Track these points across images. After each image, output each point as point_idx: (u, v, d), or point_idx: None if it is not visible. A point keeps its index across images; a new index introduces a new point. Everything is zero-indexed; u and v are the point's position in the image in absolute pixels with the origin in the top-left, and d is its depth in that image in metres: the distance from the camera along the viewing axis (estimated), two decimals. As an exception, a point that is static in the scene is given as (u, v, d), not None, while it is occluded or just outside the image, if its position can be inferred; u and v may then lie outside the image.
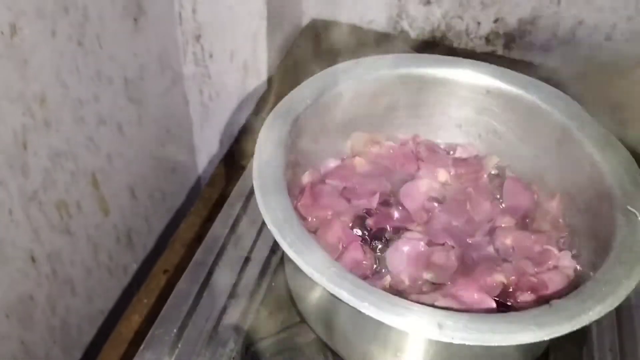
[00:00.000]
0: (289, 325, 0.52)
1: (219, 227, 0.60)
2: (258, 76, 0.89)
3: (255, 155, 0.47)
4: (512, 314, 0.40)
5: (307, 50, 0.91)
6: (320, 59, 0.90)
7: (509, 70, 0.55)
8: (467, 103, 0.56)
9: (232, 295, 0.55)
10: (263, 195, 0.44)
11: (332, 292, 0.39)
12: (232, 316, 0.54)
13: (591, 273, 0.45)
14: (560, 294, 0.47)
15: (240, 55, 0.87)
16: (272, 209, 0.43)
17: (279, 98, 0.52)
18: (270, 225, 0.42)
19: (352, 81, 0.54)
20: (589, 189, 0.50)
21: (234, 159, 0.81)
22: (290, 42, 0.93)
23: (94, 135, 0.76)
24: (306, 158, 0.53)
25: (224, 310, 0.54)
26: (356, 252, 0.48)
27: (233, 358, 0.51)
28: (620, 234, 0.45)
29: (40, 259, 0.71)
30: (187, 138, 0.95)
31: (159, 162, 0.89)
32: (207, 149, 0.97)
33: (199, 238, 0.64)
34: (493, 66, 0.55)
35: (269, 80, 0.89)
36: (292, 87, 0.54)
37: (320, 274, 0.40)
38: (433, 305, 0.43)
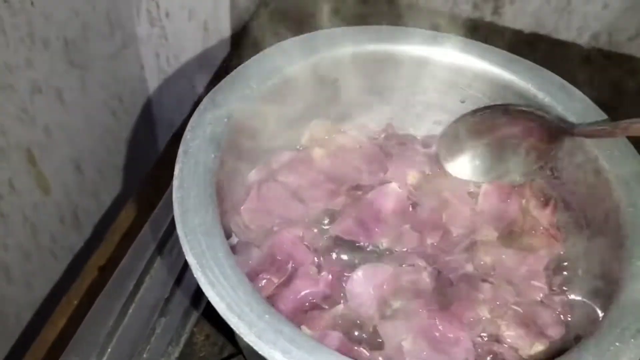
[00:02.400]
0: (227, 357, 0.42)
1: (154, 224, 0.49)
2: (220, 38, 0.76)
3: (179, 156, 0.35)
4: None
5: (276, 9, 0.77)
6: (291, 19, 0.77)
7: (500, 50, 0.43)
8: (449, 88, 0.44)
9: (163, 312, 0.44)
10: (183, 212, 0.33)
11: (262, 352, 0.28)
12: (162, 339, 0.43)
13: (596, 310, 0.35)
14: (552, 336, 0.36)
15: (199, 15, 0.74)
16: (192, 231, 0.32)
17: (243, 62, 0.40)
18: (188, 255, 0.31)
19: (309, 59, 0.41)
20: (591, 200, 0.39)
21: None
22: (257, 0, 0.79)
23: (28, 105, 0.63)
24: (252, 154, 0.41)
25: (152, 331, 0.43)
26: (306, 278, 0.37)
27: (160, 391, 0.41)
28: (634, 268, 0.34)
29: (-36, 246, 0.59)
30: (143, 107, 0.82)
31: (110, 133, 0.77)
32: (166, 118, 0.84)
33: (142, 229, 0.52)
34: (481, 45, 0.43)
35: (233, 43, 0.76)
36: (258, 51, 0.41)
37: (248, 326, 0.29)
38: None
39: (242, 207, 0.41)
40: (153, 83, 0.81)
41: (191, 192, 0.33)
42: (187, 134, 0.36)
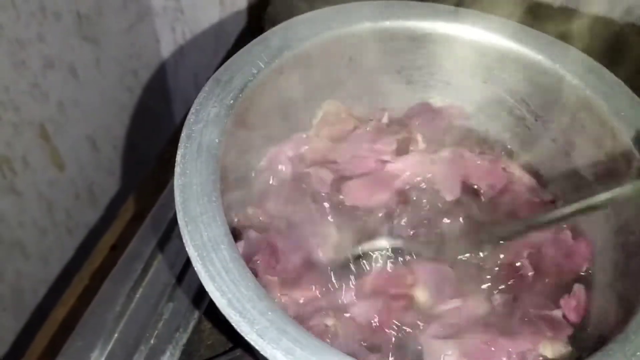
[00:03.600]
0: (233, 347, 0.40)
1: (163, 207, 0.47)
2: (236, 10, 0.73)
3: (182, 141, 0.33)
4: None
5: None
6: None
7: (526, 27, 0.40)
8: (471, 68, 0.41)
9: (171, 297, 0.42)
10: (185, 200, 0.31)
11: (263, 352, 0.27)
12: (170, 325, 0.41)
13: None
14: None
15: (216, -13, 0.71)
16: (193, 220, 0.30)
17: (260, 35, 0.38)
18: (188, 246, 0.29)
19: (323, 36, 0.39)
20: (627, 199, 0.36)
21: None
22: (276, -29, 0.76)
23: (40, 81, 0.62)
24: (260, 137, 0.39)
25: (159, 317, 0.42)
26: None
27: (167, 378, 0.40)
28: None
29: (-22, 222, 0.59)
30: (159, 82, 0.80)
31: (125, 109, 0.75)
32: (182, 94, 0.82)
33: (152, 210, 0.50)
34: (506, 21, 0.40)
35: (249, 16, 0.73)
36: (276, 23, 0.39)
37: (249, 324, 0.27)
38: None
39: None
40: (169, 58, 0.79)
41: (194, 179, 0.31)
42: (191, 117, 0.33)
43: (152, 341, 0.41)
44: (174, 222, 0.46)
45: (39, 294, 0.69)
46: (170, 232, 0.45)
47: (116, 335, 0.41)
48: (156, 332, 0.41)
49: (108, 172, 0.75)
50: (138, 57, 0.75)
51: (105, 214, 0.75)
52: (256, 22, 0.71)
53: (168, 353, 0.40)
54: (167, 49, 0.78)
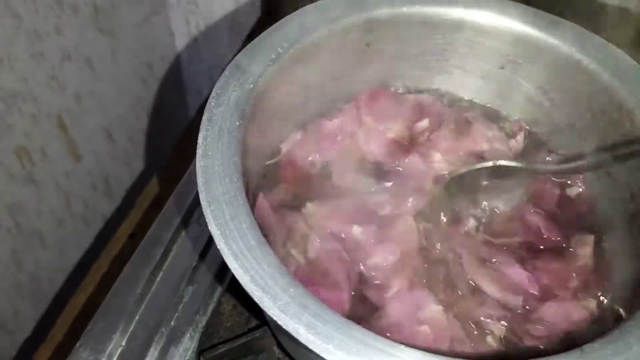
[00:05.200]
0: (253, 328, 0.41)
1: (182, 193, 0.48)
2: (251, 2, 0.73)
3: (203, 124, 0.34)
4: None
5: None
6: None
7: (543, 12, 0.40)
8: (487, 53, 0.41)
9: (190, 281, 0.43)
10: (207, 180, 0.31)
11: (285, 327, 0.27)
12: (190, 308, 0.42)
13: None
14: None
15: (229, -21, 0.72)
16: (216, 200, 0.31)
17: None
18: (211, 225, 0.30)
19: (341, 22, 0.39)
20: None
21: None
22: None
23: (57, 72, 0.63)
24: (280, 121, 0.40)
25: (180, 300, 0.42)
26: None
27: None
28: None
29: (-2, 212, 0.60)
30: (173, 74, 0.81)
31: (140, 101, 0.76)
32: (197, 86, 0.83)
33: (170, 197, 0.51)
34: (522, 6, 0.40)
35: (263, 7, 0.73)
36: (289, 14, 0.40)
37: (272, 300, 0.28)
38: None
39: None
40: (183, 50, 0.80)
41: (215, 160, 0.32)
42: (211, 101, 0.34)
43: (172, 323, 0.41)
44: (192, 208, 0.47)
45: (57, 283, 0.70)
46: (189, 218, 0.46)
47: (137, 317, 0.41)
48: (176, 314, 0.42)
49: (124, 163, 0.76)
50: (153, 50, 0.76)
51: (122, 204, 0.76)
52: (270, 13, 0.72)
53: (188, 335, 0.41)
54: (181, 42, 0.79)
